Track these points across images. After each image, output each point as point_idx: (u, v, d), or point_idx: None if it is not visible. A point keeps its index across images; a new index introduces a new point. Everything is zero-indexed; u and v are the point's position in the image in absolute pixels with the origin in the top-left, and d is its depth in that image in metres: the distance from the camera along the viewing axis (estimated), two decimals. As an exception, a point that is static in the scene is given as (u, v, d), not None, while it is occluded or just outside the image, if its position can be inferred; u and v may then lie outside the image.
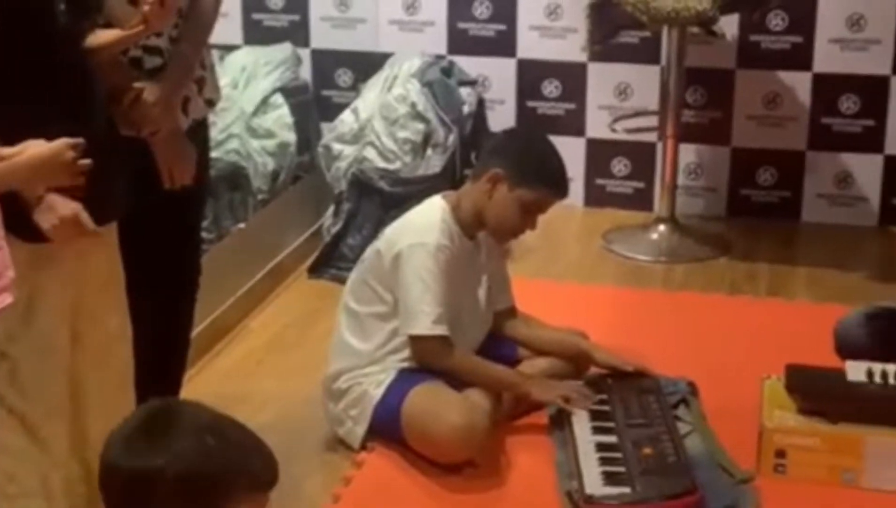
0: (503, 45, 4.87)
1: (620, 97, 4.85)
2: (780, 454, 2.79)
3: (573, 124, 4.90)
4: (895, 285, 4.12)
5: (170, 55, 2.56)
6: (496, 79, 4.90)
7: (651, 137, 4.72)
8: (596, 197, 4.95)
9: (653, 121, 4.63)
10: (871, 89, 4.64)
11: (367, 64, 4.75)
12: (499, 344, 3.22)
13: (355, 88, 4.67)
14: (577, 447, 2.82)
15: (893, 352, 3.03)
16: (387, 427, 2.96)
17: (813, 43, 4.66)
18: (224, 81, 3.87)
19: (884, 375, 2.89)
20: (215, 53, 2.96)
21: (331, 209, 4.26)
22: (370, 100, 4.34)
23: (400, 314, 2.97)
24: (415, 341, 2.95)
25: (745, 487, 2.77)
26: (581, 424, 2.92)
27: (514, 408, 3.11)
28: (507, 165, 3.03)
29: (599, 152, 4.92)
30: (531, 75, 4.90)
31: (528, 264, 4.27)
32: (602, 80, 4.85)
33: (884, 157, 4.69)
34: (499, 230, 3.11)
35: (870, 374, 2.89)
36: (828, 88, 4.68)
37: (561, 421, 2.99)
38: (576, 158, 4.86)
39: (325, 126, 4.53)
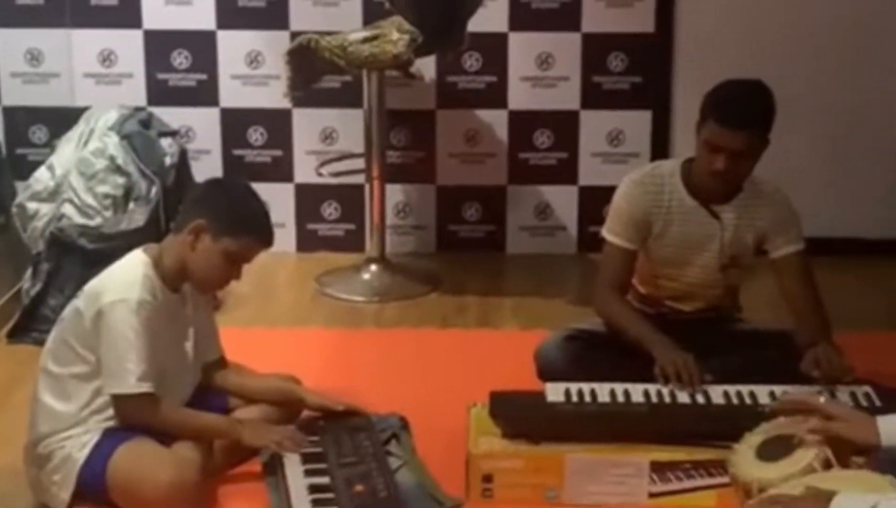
0: (205, 94, 4.85)
1: (327, 141, 4.91)
2: (487, 478, 2.87)
3: (281, 171, 4.92)
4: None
5: None
6: (200, 129, 4.86)
7: (358, 179, 4.79)
8: (308, 242, 4.98)
9: (359, 163, 4.70)
10: (562, 124, 4.88)
11: (62, 119, 4.61)
12: (209, 396, 3.17)
13: (50, 144, 4.53)
14: (290, 490, 2.82)
15: (590, 371, 3.18)
16: (93, 490, 2.86)
17: (506, 81, 4.86)
18: None
19: (580, 394, 3.03)
20: None
21: (29, 271, 4.10)
22: (66, 155, 4.21)
23: (103, 373, 2.89)
24: (119, 399, 2.88)
25: (455, 513, 2.84)
26: (293, 468, 2.92)
27: (228, 457, 3.07)
28: (209, 215, 3.00)
29: (309, 197, 4.96)
30: (235, 124, 4.89)
31: (243, 313, 4.25)
32: (307, 125, 4.89)
33: (578, 187, 4.93)
34: (203, 282, 3.08)
35: (567, 394, 3.03)
36: (522, 123, 4.89)
37: (274, 466, 2.98)
38: (285, 205, 4.89)
39: (19, 185, 4.37)
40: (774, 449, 2.43)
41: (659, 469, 2.85)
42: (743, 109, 3.21)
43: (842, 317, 3.69)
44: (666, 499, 2.85)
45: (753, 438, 2.52)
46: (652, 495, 2.86)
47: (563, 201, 4.95)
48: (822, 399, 2.49)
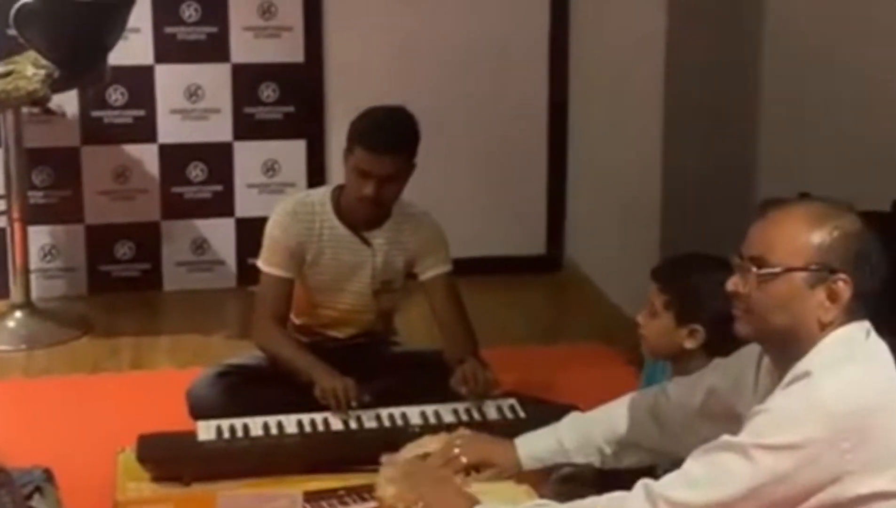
0: None
1: (-38, 183, 4.61)
2: (137, 525, 2.75)
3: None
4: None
5: None
6: None
7: (-1, 221, 4.54)
8: (-54, 291, 4.66)
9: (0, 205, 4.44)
10: (215, 156, 4.80)
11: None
12: None
13: None
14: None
15: (245, 406, 3.11)
16: None
17: (155, 115, 4.74)
18: None
19: (232, 430, 2.94)
20: None
21: None
22: None
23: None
24: None
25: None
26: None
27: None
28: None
29: (-59, 243, 4.65)
30: None
31: None
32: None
33: (235, 219, 4.86)
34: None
35: (219, 432, 2.93)
36: (174, 157, 4.78)
37: None
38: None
39: None
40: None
41: (313, 498, 2.78)
42: (388, 135, 3.25)
43: (490, 333, 3.83)
44: (322, 528, 2.81)
45: (398, 459, 2.51)
46: (308, 526, 2.81)
47: (220, 234, 4.87)
48: (458, 442, 2.48)
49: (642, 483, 1.98)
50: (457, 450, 2.42)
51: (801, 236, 1.99)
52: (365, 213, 3.33)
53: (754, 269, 2.01)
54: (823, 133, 3.82)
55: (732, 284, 2.05)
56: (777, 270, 1.98)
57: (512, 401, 3.15)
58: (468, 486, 2.30)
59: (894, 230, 2.91)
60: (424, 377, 3.32)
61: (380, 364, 3.43)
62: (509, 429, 2.72)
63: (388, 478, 2.30)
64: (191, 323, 4.47)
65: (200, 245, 4.87)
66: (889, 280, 2.06)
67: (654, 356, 2.84)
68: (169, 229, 4.84)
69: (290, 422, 3.01)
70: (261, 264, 3.37)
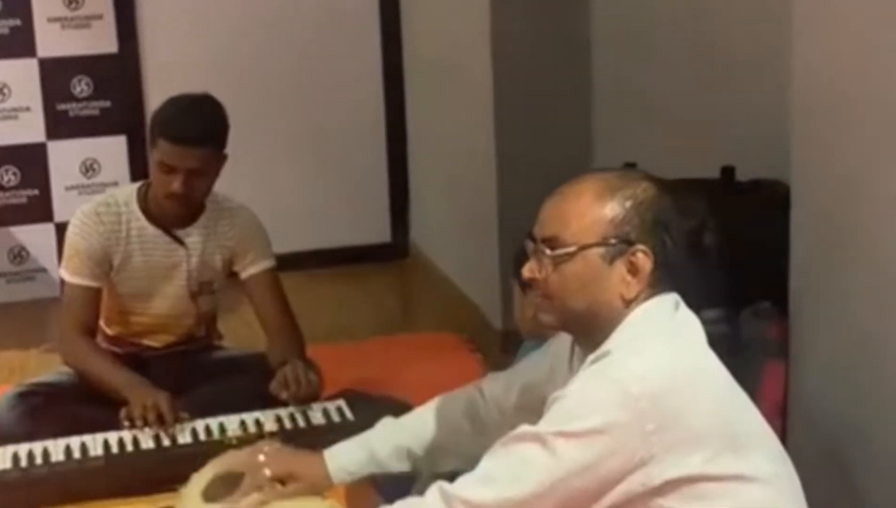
0: None
1: None
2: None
3: None
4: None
5: None
6: None
7: None
8: None
9: None
10: (28, 158, 4.52)
11: None
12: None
13: None
14: None
15: (49, 428, 2.86)
16: None
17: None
18: None
19: (30, 457, 2.70)
20: None
21: None
22: None
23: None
24: None
25: None
26: None
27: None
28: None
29: None
30: None
31: None
32: None
33: (55, 224, 4.58)
34: None
35: (16, 459, 2.69)
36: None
37: None
38: None
39: None
40: (221, 487, 2.23)
41: (120, 525, 2.59)
42: (193, 125, 3.03)
43: (332, 328, 3.65)
44: (129, 556, 2.59)
45: (202, 476, 2.30)
46: (116, 555, 2.59)
47: (39, 241, 4.59)
48: (261, 457, 2.27)
49: (437, 486, 1.82)
50: (261, 460, 2.21)
51: (592, 211, 1.84)
52: (174, 210, 3.10)
53: (548, 251, 1.85)
54: (655, 106, 3.72)
55: (528, 270, 1.89)
56: (571, 249, 1.84)
57: (339, 403, 2.97)
58: (269, 504, 2.10)
59: (724, 197, 2.84)
60: (247, 383, 3.11)
61: (200, 373, 3.21)
62: (336, 434, 2.53)
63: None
64: (11, 338, 4.18)
65: (18, 254, 4.58)
66: (696, 247, 1.93)
67: (531, 334, 2.63)
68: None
69: (95, 443, 2.77)
70: (63, 272, 3.13)
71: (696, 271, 2.05)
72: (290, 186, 4.78)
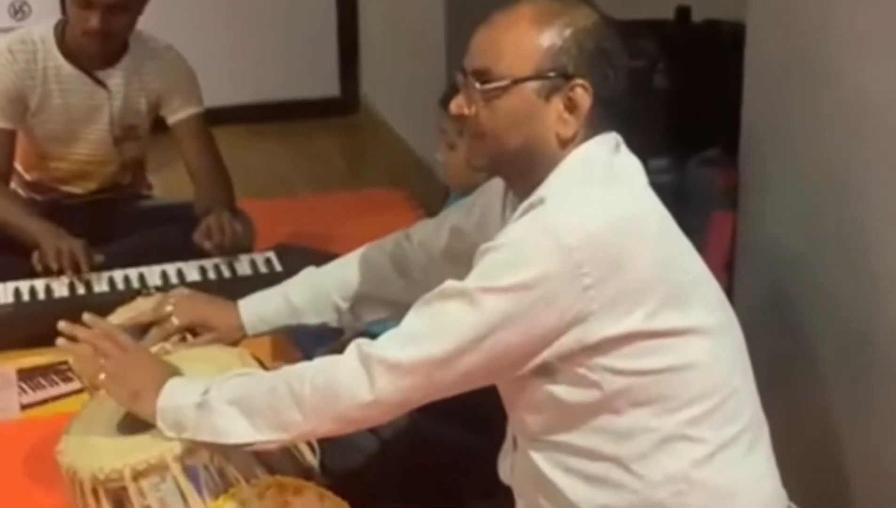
0: None
1: None
2: None
3: None
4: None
5: None
6: None
7: None
8: None
9: None
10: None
11: None
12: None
13: None
14: None
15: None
16: None
17: None
18: None
19: None
20: None
21: None
22: None
23: None
24: None
25: None
26: None
27: None
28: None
29: None
30: None
31: None
32: None
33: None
34: None
35: None
36: None
37: None
38: None
39: None
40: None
41: (29, 376, 2.45)
42: None
43: (275, 183, 3.49)
44: (41, 409, 2.45)
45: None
46: (24, 406, 2.45)
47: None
48: (169, 307, 2.11)
49: (356, 344, 1.66)
50: (169, 309, 2.06)
51: (527, 40, 1.65)
52: (92, 49, 2.90)
53: (478, 85, 1.67)
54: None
55: (456, 106, 1.70)
56: (504, 82, 1.65)
57: (269, 254, 2.83)
58: (176, 352, 1.96)
59: (677, 38, 2.66)
60: (173, 234, 2.95)
61: (124, 222, 3.06)
62: (264, 286, 2.37)
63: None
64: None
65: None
66: (644, 89, 1.76)
67: (459, 188, 2.48)
68: None
69: (6, 291, 2.63)
70: (-26, 113, 2.93)
71: (642, 116, 1.89)
72: (233, 33, 4.54)
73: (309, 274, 2.15)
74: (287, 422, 1.67)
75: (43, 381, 2.46)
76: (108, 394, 1.83)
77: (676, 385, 1.65)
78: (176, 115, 3.04)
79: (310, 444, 1.87)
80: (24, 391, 2.45)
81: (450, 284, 1.63)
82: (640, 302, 1.60)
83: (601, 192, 1.64)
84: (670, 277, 1.65)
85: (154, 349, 1.99)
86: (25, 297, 2.61)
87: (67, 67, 2.93)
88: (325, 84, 4.88)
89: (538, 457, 1.70)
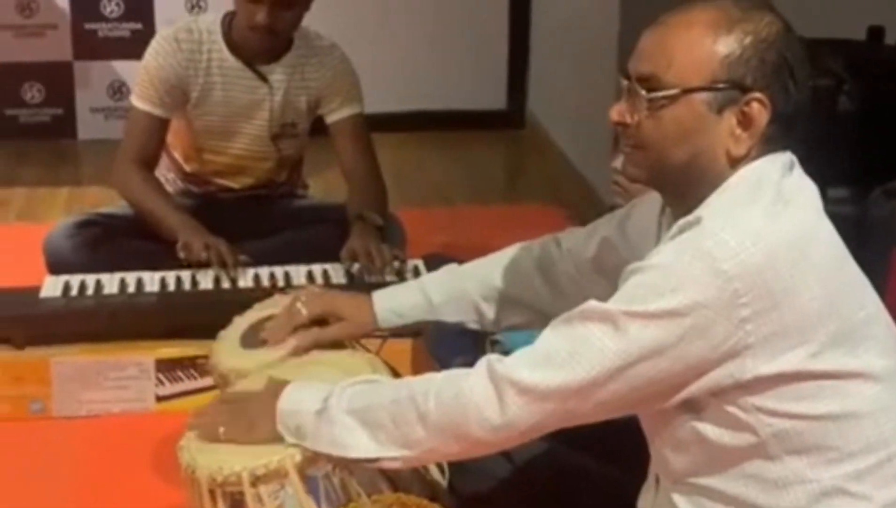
0: None
1: None
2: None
3: None
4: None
5: None
6: None
7: None
8: None
9: None
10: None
11: None
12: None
13: None
14: None
15: (107, 260, 2.71)
16: None
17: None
18: None
19: (82, 287, 2.54)
20: None
21: None
22: None
23: None
24: None
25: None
26: None
27: None
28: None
29: None
30: None
31: None
32: None
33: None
34: None
35: (66, 288, 2.54)
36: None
37: None
38: None
39: None
40: (258, 336, 2.02)
41: (167, 367, 2.42)
42: None
43: (433, 192, 3.42)
44: (178, 402, 2.42)
45: (245, 320, 2.08)
46: (161, 398, 2.43)
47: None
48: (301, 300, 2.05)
49: (486, 360, 1.54)
50: (299, 305, 1.98)
51: (701, 46, 1.50)
52: (258, 44, 2.87)
53: (644, 92, 1.54)
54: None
55: (617, 113, 1.56)
56: (673, 91, 1.51)
57: (417, 262, 2.76)
58: (308, 354, 1.88)
59: (869, 58, 2.47)
60: (324, 234, 2.91)
61: (276, 219, 3.03)
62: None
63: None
64: (99, 174, 4.04)
65: (119, 89, 4.41)
66: (828, 111, 1.60)
67: (630, 199, 2.34)
68: (83, 70, 4.36)
69: (152, 280, 2.62)
70: (133, 98, 2.94)
71: (823, 139, 1.73)
72: (403, 41, 4.51)
73: (450, 270, 2.03)
74: (410, 438, 1.56)
75: (181, 374, 2.43)
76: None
77: (839, 434, 1.49)
78: (335, 114, 3.00)
79: (439, 464, 1.77)
80: (161, 382, 2.43)
81: (592, 304, 1.50)
82: (803, 339, 1.45)
83: (765, 214, 1.48)
84: (841, 312, 1.49)
85: (285, 344, 1.92)
86: (171, 287, 2.59)
87: (231, 60, 2.91)
88: (493, 97, 4.80)
89: (681, 500, 1.56)
